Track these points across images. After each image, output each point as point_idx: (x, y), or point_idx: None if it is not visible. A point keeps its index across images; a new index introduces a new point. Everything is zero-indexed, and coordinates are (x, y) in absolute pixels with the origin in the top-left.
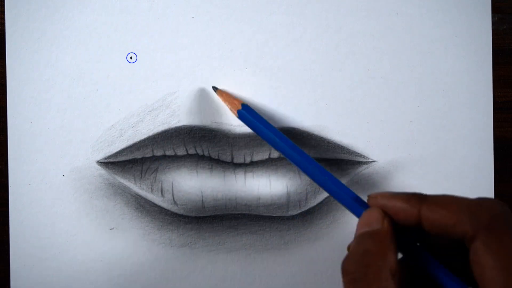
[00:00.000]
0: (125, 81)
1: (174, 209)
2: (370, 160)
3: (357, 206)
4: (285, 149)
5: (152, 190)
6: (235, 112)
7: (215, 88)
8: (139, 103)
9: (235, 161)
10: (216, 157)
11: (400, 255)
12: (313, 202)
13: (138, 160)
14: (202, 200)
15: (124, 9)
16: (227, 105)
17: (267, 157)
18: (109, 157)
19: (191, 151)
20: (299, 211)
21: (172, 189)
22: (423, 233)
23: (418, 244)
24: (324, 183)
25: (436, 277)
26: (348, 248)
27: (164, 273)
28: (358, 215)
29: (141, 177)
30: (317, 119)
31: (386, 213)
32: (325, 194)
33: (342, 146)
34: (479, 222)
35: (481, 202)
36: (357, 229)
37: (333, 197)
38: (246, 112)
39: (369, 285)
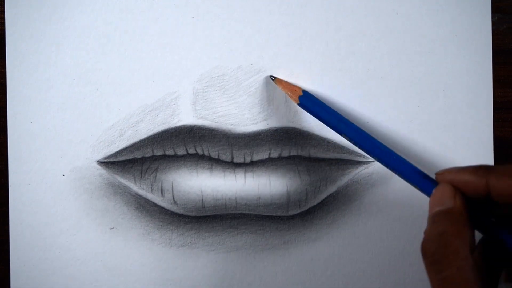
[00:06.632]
0: (125, 81)
1: (174, 208)
2: (370, 160)
3: (426, 182)
4: (350, 133)
5: (152, 190)
6: (296, 98)
7: (273, 78)
8: (139, 103)
9: (235, 160)
10: (216, 157)
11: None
12: (313, 202)
13: (138, 160)
14: (202, 199)
15: (124, 9)
16: (287, 93)
17: (267, 156)
18: (109, 157)
19: (191, 151)
20: (299, 211)
21: (172, 188)
22: (493, 206)
23: (491, 218)
24: (393, 165)
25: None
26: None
27: (164, 273)
28: (427, 192)
29: (141, 177)
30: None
31: (456, 188)
32: (325, 194)
33: (342, 146)
34: None
35: None
36: (430, 208)
37: (400, 176)
38: (307, 98)
39: (450, 265)
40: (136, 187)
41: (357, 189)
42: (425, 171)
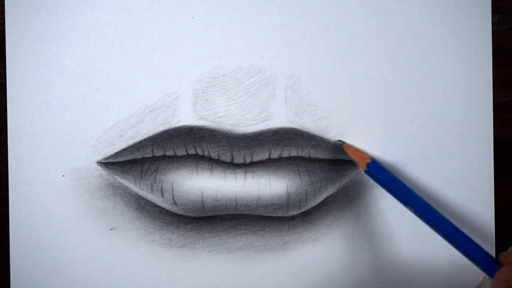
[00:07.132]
0: (125, 81)
1: (174, 209)
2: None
3: (490, 264)
4: (416, 206)
5: (152, 191)
6: (364, 165)
7: (341, 142)
8: (139, 103)
9: (235, 161)
10: (216, 158)
11: None
12: (313, 203)
13: (138, 161)
14: (202, 200)
15: (124, 9)
16: (355, 158)
17: (267, 157)
18: (109, 157)
19: (191, 152)
20: (299, 211)
21: (172, 189)
22: None
23: None
24: (457, 242)
25: None
26: None
27: (164, 273)
28: (489, 272)
29: (141, 178)
30: (317, 119)
31: None
32: (325, 195)
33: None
34: None
35: None
36: (493, 286)
37: (463, 254)
38: (375, 166)
39: None
40: (136, 187)
41: (357, 190)
42: (426, 172)
